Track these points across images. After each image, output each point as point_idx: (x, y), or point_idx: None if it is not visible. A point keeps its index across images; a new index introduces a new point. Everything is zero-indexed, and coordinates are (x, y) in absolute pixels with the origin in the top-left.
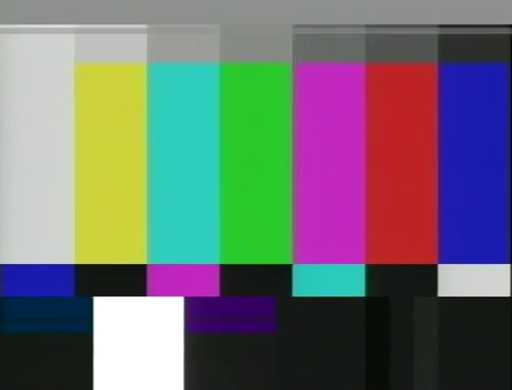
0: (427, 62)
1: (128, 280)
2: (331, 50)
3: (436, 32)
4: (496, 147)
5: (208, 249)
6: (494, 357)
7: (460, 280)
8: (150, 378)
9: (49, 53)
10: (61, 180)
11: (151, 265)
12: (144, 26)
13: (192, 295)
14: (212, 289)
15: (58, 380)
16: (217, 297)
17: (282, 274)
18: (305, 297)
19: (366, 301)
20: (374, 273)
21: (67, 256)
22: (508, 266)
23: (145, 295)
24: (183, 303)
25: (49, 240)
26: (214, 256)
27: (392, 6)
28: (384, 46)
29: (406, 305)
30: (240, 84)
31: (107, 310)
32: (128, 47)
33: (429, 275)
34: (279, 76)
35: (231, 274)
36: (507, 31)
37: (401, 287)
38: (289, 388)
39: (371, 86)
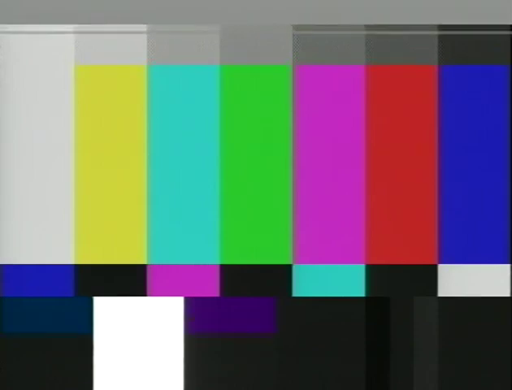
0: (427, 64)
1: (128, 280)
2: (331, 52)
3: (435, 33)
4: (496, 148)
5: (208, 249)
6: (494, 357)
7: (460, 280)
8: (150, 378)
9: (49, 54)
10: (61, 180)
11: (151, 265)
12: (144, 27)
13: (192, 295)
14: (212, 289)
15: (58, 380)
16: (217, 297)
17: (282, 274)
18: (305, 297)
19: (366, 301)
20: (374, 273)
21: (67, 256)
22: (508, 266)
23: (145, 295)
24: (183, 303)
25: (49, 240)
26: (214, 256)
27: (392, 6)
28: (384, 48)
29: (406, 305)
30: (240, 86)
31: (107, 310)
32: (127, 48)
33: (429, 275)
34: (279, 78)
35: (231, 274)
36: (507, 32)
37: (401, 287)
38: (289, 388)
39: (371, 87)
